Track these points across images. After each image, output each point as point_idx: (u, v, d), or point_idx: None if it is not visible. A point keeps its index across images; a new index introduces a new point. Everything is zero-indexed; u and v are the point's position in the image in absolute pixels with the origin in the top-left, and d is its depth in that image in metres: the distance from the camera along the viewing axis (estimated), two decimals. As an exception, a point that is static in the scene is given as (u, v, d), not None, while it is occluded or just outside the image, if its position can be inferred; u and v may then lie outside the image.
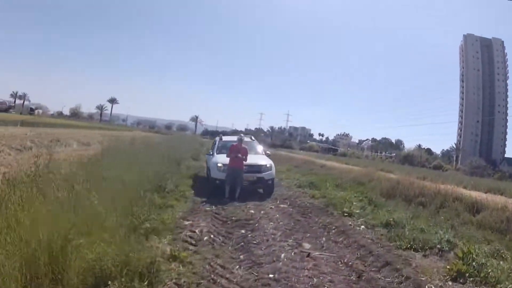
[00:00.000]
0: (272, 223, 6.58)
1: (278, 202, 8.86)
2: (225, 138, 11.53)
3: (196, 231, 5.75)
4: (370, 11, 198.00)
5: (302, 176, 15.42)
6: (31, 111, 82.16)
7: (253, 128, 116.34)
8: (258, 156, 10.58)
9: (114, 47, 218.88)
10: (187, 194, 8.73)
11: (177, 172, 11.43)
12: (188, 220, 6.40)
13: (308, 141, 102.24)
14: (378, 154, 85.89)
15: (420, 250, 5.54)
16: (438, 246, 5.67)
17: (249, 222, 6.55)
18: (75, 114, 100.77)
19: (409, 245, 5.66)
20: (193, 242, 5.26)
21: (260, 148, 11.52)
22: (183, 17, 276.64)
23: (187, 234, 5.57)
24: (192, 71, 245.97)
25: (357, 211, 7.96)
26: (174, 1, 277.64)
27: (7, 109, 79.19)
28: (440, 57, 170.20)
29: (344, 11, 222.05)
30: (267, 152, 11.77)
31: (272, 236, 5.75)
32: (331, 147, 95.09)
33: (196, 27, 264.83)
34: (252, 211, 7.43)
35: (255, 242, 5.42)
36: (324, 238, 5.86)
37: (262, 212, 7.42)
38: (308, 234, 6.00)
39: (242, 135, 9.75)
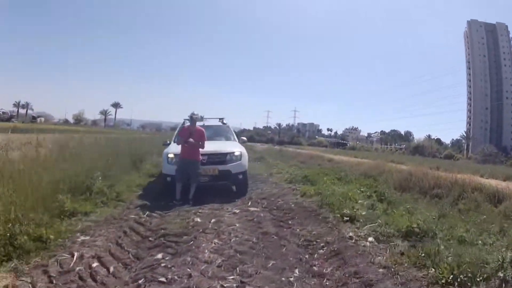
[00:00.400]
0: (217, 240, 3.93)
1: (249, 203, 6.20)
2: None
3: (76, 254, 3.32)
4: (370, 5, 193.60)
5: (298, 169, 12.78)
6: (33, 119, 79.74)
7: (261, 127, 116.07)
8: (225, 143, 7.97)
9: (114, 51, 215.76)
10: (126, 197, 6.28)
11: (132, 170, 8.98)
12: (87, 235, 4.00)
13: (317, 137, 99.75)
14: (388, 146, 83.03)
15: (470, 284, 2.91)
16: (500, 273, 3.03)
17: (181, 238, 3.96)
18: (79, 120, 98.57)
19: (451, 276, 3.02)
20: (54, 274, 2.93)
21: (232, 133, 8.79)
22: (183, 18, 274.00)
23: (60, 259, 3.23)
24: (196, 72, 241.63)
25: (363, 213, 5.29)
26: (175, 1, 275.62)
27: (9, 118, 79.36)
28: (445, 45, 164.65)
29: (345, 5, 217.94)
30: (243, 138, 9.13)
31: (205, 265, 3.17)
32: (340, 142, 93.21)
33: (197, 28, 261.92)
34: (198, 219, 4.78)
35: (164, 279, 2.88)
36: (297, 270, 3.20)
37: (213, 220, 4.77)
38: (272, 262, 3.36)
39: (195, 112, 6.79)
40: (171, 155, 6.80)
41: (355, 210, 5.36)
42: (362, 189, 7.98)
